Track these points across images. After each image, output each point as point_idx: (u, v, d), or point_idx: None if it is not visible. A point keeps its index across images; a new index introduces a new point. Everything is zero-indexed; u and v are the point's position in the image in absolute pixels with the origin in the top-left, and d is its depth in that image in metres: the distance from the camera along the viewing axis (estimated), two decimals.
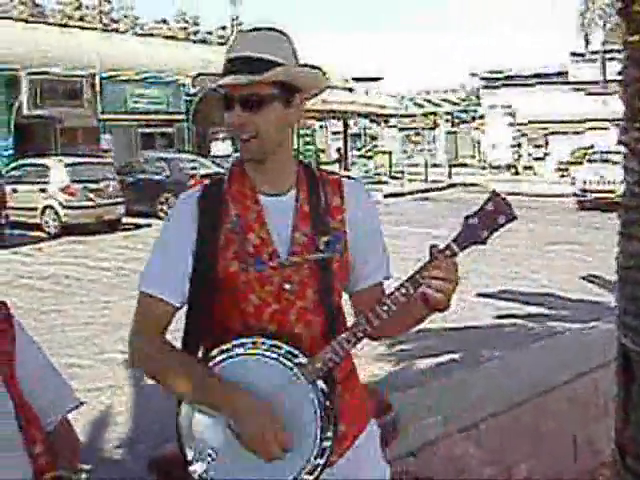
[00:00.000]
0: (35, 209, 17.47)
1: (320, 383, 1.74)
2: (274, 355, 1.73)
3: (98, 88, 25.44)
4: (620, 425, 2.89)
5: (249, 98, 1.75)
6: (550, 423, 3.61)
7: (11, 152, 22.72)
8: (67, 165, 17.81)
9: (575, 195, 21.03)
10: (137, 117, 27.19)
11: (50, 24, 32.50)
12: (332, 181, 1.91)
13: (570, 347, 4.41)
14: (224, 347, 1.75)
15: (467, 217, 1.77)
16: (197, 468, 1.73)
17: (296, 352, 1.74)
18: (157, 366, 1.78)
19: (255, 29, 1.81)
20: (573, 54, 37.28)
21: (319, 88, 1.87)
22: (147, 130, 28.14)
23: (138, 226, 18.38)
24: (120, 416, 5.71)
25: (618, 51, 2.96)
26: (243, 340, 1.75)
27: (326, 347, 1.75)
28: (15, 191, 17.38)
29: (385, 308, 1.74)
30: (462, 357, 6.84)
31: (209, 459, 1.73)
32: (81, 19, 47.02)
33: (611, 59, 25.94)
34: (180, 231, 1.81)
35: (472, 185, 28.14)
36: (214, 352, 1.76)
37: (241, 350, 1.74)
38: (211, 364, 1.75)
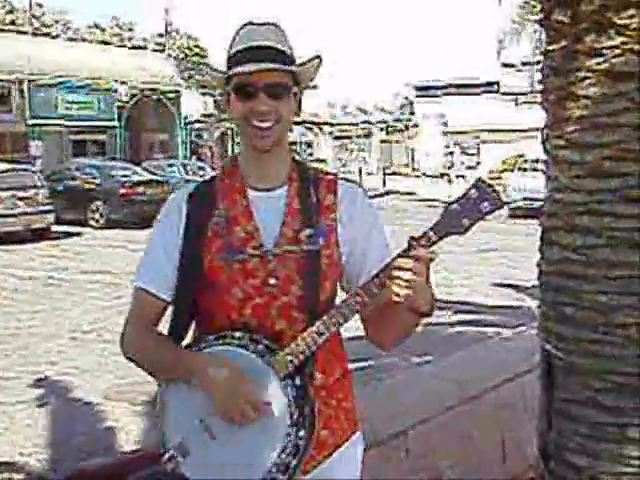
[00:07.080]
0: None
1: (297, 379, 1.71)
2: (251, 348, 1.72)
3: (27, 93, 24.87)
4: (543, 429, 2.92)
5: (275, 86, 1.76)
6: (479, 428, 3.64)
7: None
8: None
9: (506, 203, 21.38)
10: (68, 123, 26.66)
11: None
12: (327, 180, 1.90)
13: (497, 352, 4.47)
14: (205, 338, 1.78)
15: (449, 204, 1.70)
16: (170, 463, 1.73)
17: (274, 347, 1.72)
18: (142, 351, 1.84)
19: (265, 23, 1.82)
20: (504, 65, 38.14)
21: (312, 82, 1.90)
22: (79, 137, 27.62)
23: (69, 234, 17.98)
24: (45, 431, 5.55)
25: None
26: (224, 332, 1.76)
27: (297, 339, 1.71)
28: None
29: (358, 299, 1.69)
30: (390, 364, 6.85)
31: (182, 453, 1.73)
32: (12, 23, 45.91)
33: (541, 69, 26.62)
34: (169, 228, 1.85)
35: (407, 194, 28.42)
36: (194, 342, 1.81)
37: (220, 341, 1.75)
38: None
